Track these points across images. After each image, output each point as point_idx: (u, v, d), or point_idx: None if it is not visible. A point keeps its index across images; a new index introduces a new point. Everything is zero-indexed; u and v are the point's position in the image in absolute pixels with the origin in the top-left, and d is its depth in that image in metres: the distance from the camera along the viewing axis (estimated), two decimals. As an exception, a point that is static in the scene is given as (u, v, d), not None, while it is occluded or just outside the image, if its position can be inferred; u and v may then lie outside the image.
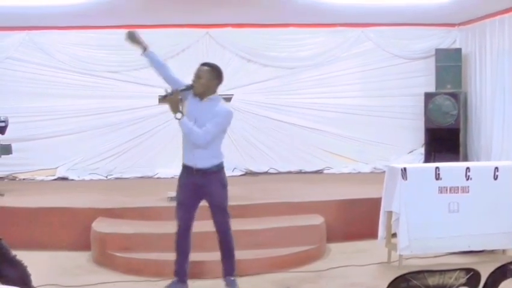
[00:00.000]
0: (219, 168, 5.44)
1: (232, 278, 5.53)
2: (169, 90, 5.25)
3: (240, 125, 10.10)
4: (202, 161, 5.32)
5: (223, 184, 5.46)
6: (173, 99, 5.23)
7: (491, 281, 3.25)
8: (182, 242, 5.44)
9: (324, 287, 5.79)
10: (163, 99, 5.33)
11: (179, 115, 5.21)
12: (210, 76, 5.39)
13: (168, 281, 5.67)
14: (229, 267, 5.54)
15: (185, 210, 5.43)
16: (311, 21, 10.46)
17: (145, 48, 5.37)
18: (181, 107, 5.31)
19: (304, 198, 7.86)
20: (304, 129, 10.83)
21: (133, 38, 5.32)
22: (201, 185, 5.36)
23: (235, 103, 8.27)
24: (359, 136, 10.87)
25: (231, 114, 5.45)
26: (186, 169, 5.43)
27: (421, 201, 6.21)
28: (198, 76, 5.35)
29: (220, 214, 5.45)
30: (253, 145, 10.68)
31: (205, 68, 5.40)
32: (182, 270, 5.51)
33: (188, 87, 5.34)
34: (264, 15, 10.04)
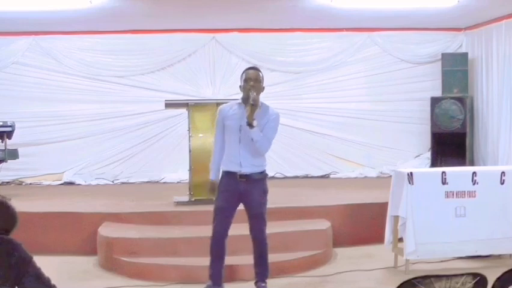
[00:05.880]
0: (263, 176, 5.41)
1: (264, 284, 5.50)
2: (252, 95, 5.14)
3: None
4: (248, 167, 5.27)
5: (265, 191, 5.42)
6: (256, 107, 5.15)
7: (498, 286, 3.24)
8: (220, 246, 5.35)
9: (331, 292, 5.79)
10: (251, 106, 5.13)
11: (255, 122, 5.12)
12: (263, 81, 5.38)
13: (174, 285, 5.68)
14: (262, 273, 5.51)
15: (224, 216, 5.34)
16: (318, 26, 10.48)
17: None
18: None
19: (310, 202, 7.84)
20: (310, 134, 10.83)
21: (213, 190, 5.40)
22: (244, 191, 5.31)
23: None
24: (366, 141, 10.87)
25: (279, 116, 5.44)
26: (229, 175, 5.33)
27: (428, 205, 6.18)
28: (258, 81, 5.29)
29: (258, 222, 5.40)
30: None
31: (259, 72, 5.37)
32: (218, 274, 5.41)
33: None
34: (270, 20, 10.06)
